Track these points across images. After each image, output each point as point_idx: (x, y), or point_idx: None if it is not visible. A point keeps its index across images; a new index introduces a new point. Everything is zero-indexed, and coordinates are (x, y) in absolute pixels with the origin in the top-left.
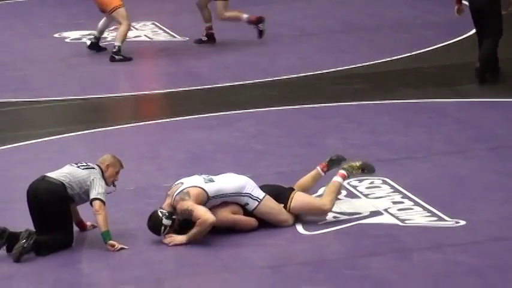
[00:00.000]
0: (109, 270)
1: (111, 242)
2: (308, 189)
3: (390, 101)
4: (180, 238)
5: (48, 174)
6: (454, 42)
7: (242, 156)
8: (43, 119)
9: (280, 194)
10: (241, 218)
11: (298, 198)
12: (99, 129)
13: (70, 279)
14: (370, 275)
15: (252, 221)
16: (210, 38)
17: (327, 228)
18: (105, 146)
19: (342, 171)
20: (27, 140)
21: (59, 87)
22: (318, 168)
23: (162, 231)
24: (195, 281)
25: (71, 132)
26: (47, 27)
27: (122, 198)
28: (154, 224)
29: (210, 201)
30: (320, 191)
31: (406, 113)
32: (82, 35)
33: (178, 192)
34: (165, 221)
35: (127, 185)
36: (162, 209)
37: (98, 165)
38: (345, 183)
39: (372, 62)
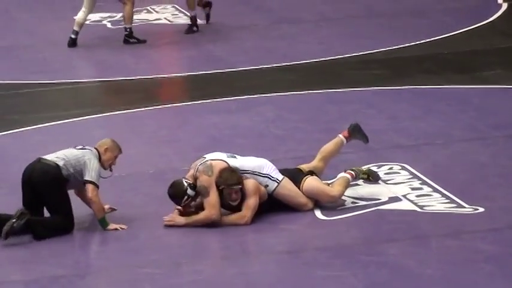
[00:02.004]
0: (127, 253)
1: (109, 227)
2: (331, 155)
3: (409, 86)
4: (180, 219)
5: (44, 156)
6: (474, 28)
7: (261, 140)
8: (63, 101)
9: (294, 178)
10: (255, 199)
11: (310, 182)
12: (119, 112)
13: (88, 262)
14: (387, 261)
15: (246, 214)
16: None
17: (345, 213)
18: (124, 129)
19: (350, 171)
20: (47, 122)
21: (78, 70)
22: (340, 135)
23: (184, 200)
24: (212, 265)
25: (91, 115)
26: (67, 10)
27: (140, 181)
28: (177, 191)
29: None
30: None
31: (425, 99)
32: (102, 18)
33: (202, 163)
34: (190, 191)
35: (146, 169)
36: (187, 179)
37: (96, 148)
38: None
39: (392, 48)
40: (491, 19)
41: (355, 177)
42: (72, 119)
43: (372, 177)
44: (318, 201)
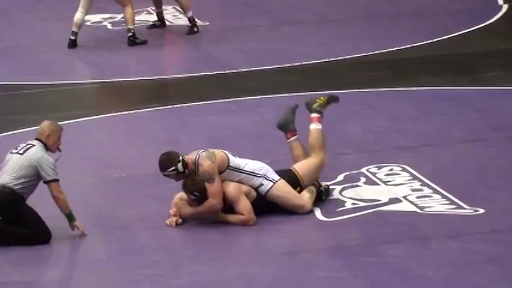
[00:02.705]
0: (127, 254)
1: (76, 222)
2: (306, 154)
3: (410, 88)
4: (186, 210)
5: None
6: (474, 29)
7: (261, 141)
8: (62, 102)
9: (292, 181)
10: (244, 207)
11: (301, 167)
12: (118, 113)
13: (89, 263)
14: (388, 262)
15: (247, 218)
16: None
17: (345, 215)
18: (124, 130)
19: (315, 115)
20: None
21: (78, 71)
22: (288, 141)
23: (168, 170)
24: (213, 267)
25: (90, 116)
26: (67, 11)
27: (140, 182)
28: (168, 159)
29: (226, 171)
30: (340, 178)
31: (425, 101)
32: (102, 19)
33: (205, 150)
34: (179, 166)
35: (146, 170)
36: (184, 157)
37: (37, 138)
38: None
39: (392, 49)
40: (491, 20)
41: (322, 117)
42: (72, 120)
43: (332, 101)
44: (317, 203)
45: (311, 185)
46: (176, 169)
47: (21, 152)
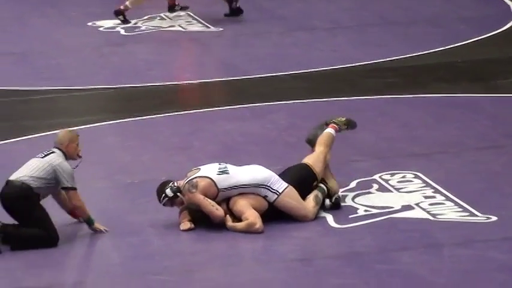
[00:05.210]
0: (139, 260)
1: (96, 225)
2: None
3: (423, 95)
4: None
5: (12, 177)
6: (487, 36)
7: (274, 148)
8: (76, 107)
9: (308, 174)
10: (251, 214)
11: (312, 160)
12: (132, 119)
13: (101, 269)
14: (400, 269)
15: (253, 221)
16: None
17: (357, 221)
18: (137, 136)
19: (333, 124)
20: (60, 129)
21: (92, 76)
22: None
23: (161, 198)
24: (225, 273)
25: (104, 122)
26: (81, 16)
27: (153, 188)
28: (160, 188)
29: (221, 193)
30: (352, 184)
31: (438, 108)
32: (116, 24)
33: (189, 181)
34: (168, 191)
35: (159, 176)
36: (174, 182)
37: (57, 147)
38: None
39: (405, 56)
40: (505, 28)
41: (339, 131)
42: (86, 125)
43: (350, 127)
44: (324, 210)
45: (319, 192)
46: (166, 195)
47: (41, 156)
